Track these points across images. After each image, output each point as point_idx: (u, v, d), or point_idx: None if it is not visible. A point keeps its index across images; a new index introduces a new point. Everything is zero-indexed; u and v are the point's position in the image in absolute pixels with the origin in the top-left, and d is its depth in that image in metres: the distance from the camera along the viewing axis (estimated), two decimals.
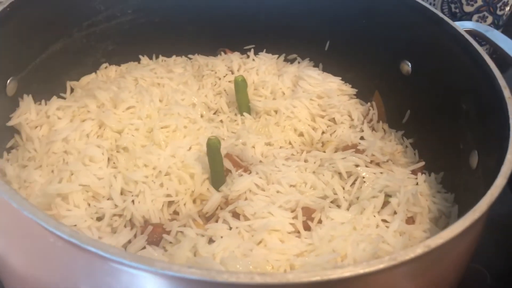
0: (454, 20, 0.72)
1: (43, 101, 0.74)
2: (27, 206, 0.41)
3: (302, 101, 0.80)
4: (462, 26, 0.73)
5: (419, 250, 0.41)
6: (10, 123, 0.70)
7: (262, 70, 0.87)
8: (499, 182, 0.47)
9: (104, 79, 0.83)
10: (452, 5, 1.03)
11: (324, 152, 0.76)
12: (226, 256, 0.55)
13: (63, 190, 0.61)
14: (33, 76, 0.72)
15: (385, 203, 0.65)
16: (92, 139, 0.69)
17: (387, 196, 0.66)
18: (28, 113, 0.71)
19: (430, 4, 1.07)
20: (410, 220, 0.64)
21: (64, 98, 0.79)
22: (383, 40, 0.83)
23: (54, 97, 0.75)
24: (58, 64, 0.77)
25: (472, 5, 1.02)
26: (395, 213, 0.64)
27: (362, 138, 0.77)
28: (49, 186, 0.61)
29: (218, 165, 0.67)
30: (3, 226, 0.48)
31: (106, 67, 0.85)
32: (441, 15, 0.71)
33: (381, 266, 0.39)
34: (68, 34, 0.77)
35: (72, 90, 0.81)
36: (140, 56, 0.89)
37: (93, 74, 0.84)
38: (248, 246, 0.57)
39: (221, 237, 0.58)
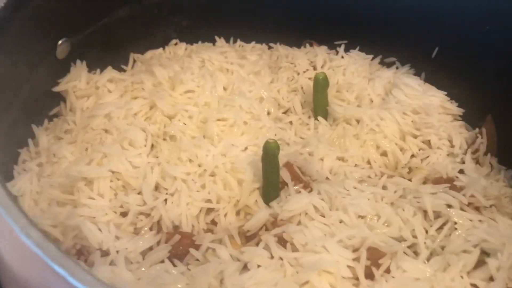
0: None
1: (98, 71, 0.67)
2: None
3: (393, 114, 0.66)
4: None
5: None
6: (56, 89, 0.63)
7: (351, 70, 0.73)
8: None
9: (170, 56, 0.74)
10: None
11: (410, 180, 0.61)
12: None
13: (89, 173, 0.52)
14: (91, 42, 0.66)
15: (480, 263, 0.49)
16: (138, 121, 0.60)
17: (484, 254, 0.50)
18: (78, 81, 0.64)
19: None
20: None
21: (124, 70, 0.71)
22: (506, 52, 0.66)
23: (109, 67, 0.67)
24: (123, 32, 0.70)
25: None
26: (491, 279, 0.48)
27: (461, 171, 0.61)
28: (75, 166, 0.53)
29: (273, 174, 0.55)
30: None
31: (176, 44, 0.77)
32: None
33: None
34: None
35: (133, 64, 0.73)
36: (216, 37, 0.79)
37: (160, 49, 0.76)
38: (288, 286, 0.44)
39: (258, 266, 0.46)
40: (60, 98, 0.64)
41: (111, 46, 0.69)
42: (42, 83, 0.61)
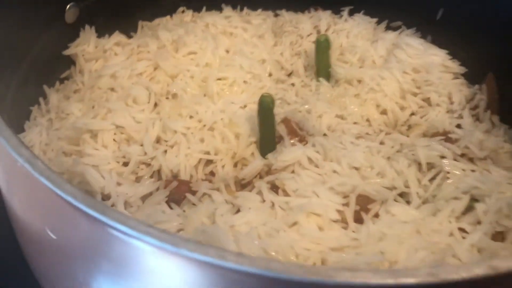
0: None
1: (106, 36, 0.70)
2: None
3: (393, 73, 0.67)
4: None
5: (478, 270, 0.27)
6: (66, 52, 0.66)
7: (354, 33, 0.74)
8: None
9: (177, 22, 0.76)
10: None
11: (408, 136, 0.62)
12: (245, 232, 0.45)
13: (93, 126, 0.55)
14: (100, 8, 0.68)
15: (469, 209, 0.50)
16: (142, 80, 0.63)
17: (473, 200, 0.51)
18: (86, 45, 0.67)
19: None
20: (499, 237, 0.48)
21: (132, 36, 0.74)
22: (509, 13, 0.65)
23: (117, 32, 0.70)
24: (132, 0, 0.73)
25: None
26: (479, 223, 0.49)
27: (459, 126, 0.61)
28: (80, 119, 0.56)
29: (269, 128, 0.57)
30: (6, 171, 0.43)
31: (183, 11, 0.79)
32: None
33: (412, 280, 0.27)
34: None
35: (142, 30, 0.75)
36: (223, 5, 0.81)
37: (168, 16, 0.78)
38: (276, 225, 0.46)
39: (249, 208, 0.49)
40: (70, 61, 0.68)
41: (120, 13, 0.72)
42: (53, 46, 0.64)
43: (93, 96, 0.61)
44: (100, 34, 0.70)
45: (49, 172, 0.31)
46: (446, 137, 0.58)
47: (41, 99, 0.62)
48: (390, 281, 0.27)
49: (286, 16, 0.79)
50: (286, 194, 0.51)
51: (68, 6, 0.63)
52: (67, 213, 0.32)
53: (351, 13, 0.78)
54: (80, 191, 0.31)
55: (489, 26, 0.69)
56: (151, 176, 0.55)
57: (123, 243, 0.30)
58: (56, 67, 0.66)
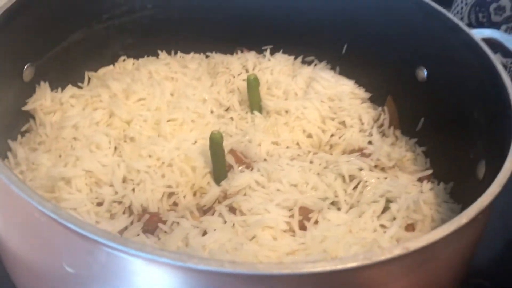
0: None
1: (59, 89, 0.77)
2: (16, 181, 0.42)
3: (313, 103, 0.80)
4: (481, 33, 0.71)
5: (396, 251, 0.40)
6: (25, 108, 0.72)
7: (277, 70, 0.87)
8: (492, 190, 0.46)
9: (120, 71, 0.85)
10: (480, 14, 1.00)
11: (331, 154, 0.75)
12: (216, 249, 0.55)
13: (66, 173, 0.62)
14: (51, 64, 0.75)
15: (386, 209, 0.64)
16: (101, 128, 0.71)
17: (388, 201, 0.64)
18: (43, 100, 0.73)
19: (458, 12, 1.05)
20: (410, 228, 0.63)
21: (81, 87, 0.81)
22: (400, 45, 0.81)
23: (70, 85, 0.77)
24: (77, 54, 0.80)
25: (500, 15, 1.00)
26: (394, 219, 0.62)
27: (370, 142, 0.76)
28: (53, 169, 0.63)
29: (220, 159, 0.67)
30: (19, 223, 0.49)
31: (124, 60, 0.87)
32: (456, 21, 0.70)
33: (354, 264, 0.38)
34: (88, 25, 0.80)
35: (89, 80, 0.83)
36: (159, 51, 0.90)
37: (111, 66, 0.86)
38: (239, 240, 0.57)
39: (215, 230, 0.59)
40: (28, 115, 0.74)
41: (68, 66, 0.79)
42: (13, 103, 0.70)
43: (59, 146, 0.68)
44: (53, 87, 0.76)
45: (73, 218, 0.40)
46: (361, 152, 0.72)
47: (9, 153, 0.67)
48: (340, 266, 0.39)
49: (217, 57, 0.90)
50: (242, 213, 0.62)
51: (25, 67, 0.70)
52: (86, 247, 0.40)
53: (272, 52, 0.91)
54: (95, 227, 0.40)
55: (384, 55, 0.85)
56: (124, 212, 0.63)
57: (141, 266, 0.39)
58: (17, 122, 0.71)
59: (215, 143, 0.66)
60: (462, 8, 1.00)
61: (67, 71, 0.79)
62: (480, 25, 0.98)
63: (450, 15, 0.72)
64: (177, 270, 0.38)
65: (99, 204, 0.63)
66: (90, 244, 0.40)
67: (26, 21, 0.68)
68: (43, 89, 0.74)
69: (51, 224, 0.41)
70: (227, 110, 0.83)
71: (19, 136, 0.72)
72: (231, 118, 0.80)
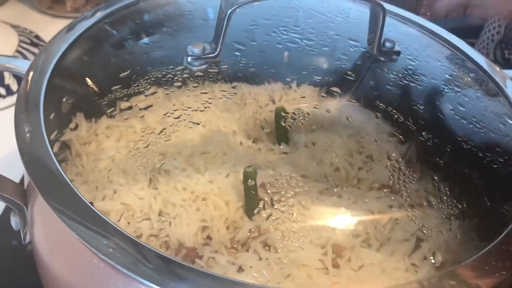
0: (505, 67, 0.73)
1: (93, 120, 0.79)
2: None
3: (341, 135, 0.81)
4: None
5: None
6: (62, 138, 0.74)
7: (303, 101, 0.89)
8: None
9: (152, 101, 0.86)
10: (506, 51, 1.02)
11: (359, 189, 0.77)
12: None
13: (105, 207, 0.64)
14: (86, 94, 0.77)
15: (416, 247, 0.65)
16: (136, 160, 0.72)
17: (419, 240, 0.66)
18: (79, 130, 0.75)
19: (483, 47, 1.06)
20: (441, 267, 0.64)
21: (113, 116, 0.83)
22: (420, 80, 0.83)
23: (104, 116, 0.79)
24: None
25: None
26: (425, 258, 0.64)
27: (398, 178, 0.77)
28: (94, 203, 0.64)
29: (253, 195, 0.69)
30: (51, 237, 0.51)
31: (155, 93, 0.89)
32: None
33: None
34: None
35: (120, 110, 0.84)
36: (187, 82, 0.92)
37: (142, 96, 0.88)
38: (275, 278, 0.58)
39: (251, 266, 0.60)
40: (65, 146, 0.75)
41: (101, 97, 0.81)
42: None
43: (96, 177, 0.70)
44: (87, 118, 0.78)
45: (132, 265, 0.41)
46: (391, 189, 0.73)
47: None
48: None
49: (244, 88, 0.92)
50: (276, 250, 0.63)
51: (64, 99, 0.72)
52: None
53: (298, 84, 0.93)
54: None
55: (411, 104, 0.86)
56: (160, 246, 0.64)
57: None
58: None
59: (249, 178, 0.67)
60: (488, 44, 1.01)
61: (99, 101, 0.81)
62: (505, 62, 1.00)
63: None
64: None
65: (137, 237, 0.64)
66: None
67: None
68: (79, 119, 0.76)
69: (106, 268, 0.42)
70: (254, 141, 0.84)
71: None
72: (259, 149, 0.82)
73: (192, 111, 0.82)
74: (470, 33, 0.83)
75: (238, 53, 0.89)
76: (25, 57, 1.24)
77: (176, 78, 0.90)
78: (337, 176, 0.80)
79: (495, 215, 0.68)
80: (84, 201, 0.51)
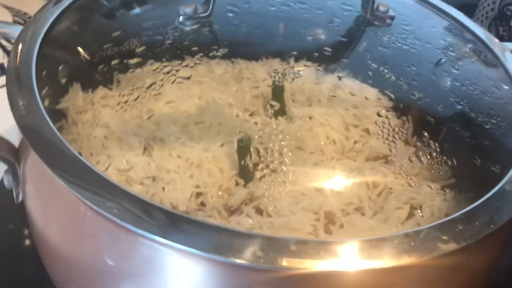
0: None
1: (90, 90, 0.79)
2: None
3: (337, 110, 0.81)
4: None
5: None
6: (59, 107, 0.74)
7: (301, 77, 0.88)
8: None
9: (149, 74, 0.86)
10: (500, 28, 1.01)
11: (355, 161, 0.76)
12: None
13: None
14: (82, 65, 0.77)
15: (410, 215, 0.65)
16: (132, 128, 0.73)
17: (413, 208, 0.66)
18: (76, 100, 0.75)
19: (479, 21, 1.06)
20: None
21: (110, 89, 0.83)
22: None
23: (100, 87, 0.79)
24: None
25: None
26: (418, 225, 0.63)
27: (393, 150, 0.77)
28: None
29: (247, 162, 0.69)
30: (43, 194, 0.51)
31: (151, 64, 0.89)
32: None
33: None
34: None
35: (118, 82, 0.85)
36: (185, 56, 0.92)
37: (139, 69, 0.88)
38: None
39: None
40: (61, 115, 0.76)
41: (98, 69, 0.81)
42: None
43: (91, 144, 0.70)
44: (84, 89, 0.78)
45: (120, 212, 0.41)
46: (386, 160, 0.73)
47: None
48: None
49: (242, 63, 0.92)
50: (269, 215, 0.63)
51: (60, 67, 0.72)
52: (129, 240, 0.42)
53: (296, 59, 0.93)
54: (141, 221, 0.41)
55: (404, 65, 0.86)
56: None
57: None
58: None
59: (243, 146, 0.67)
60: (482, 21, 1.01)
61: (96, 73, 0.81)
62: (500, 38, 0.99)
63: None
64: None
65: None
66: (133, 237, 0.41)
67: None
68: (76, 90, 0.76)
69: (97, 219, 0.42)
70: (251, 115, 0.84)
71: None
72: (255, 123, 0.82)
73: (188, 83, 0.83)
74: (465, 11, 0.83)
75: (230, 14, 0.89)
76: None
77: (169, 46, 0.90)
78: (333, 148, 0.79)
79: (486, 174, 0.68)
80: (77, 156, 0.51)
